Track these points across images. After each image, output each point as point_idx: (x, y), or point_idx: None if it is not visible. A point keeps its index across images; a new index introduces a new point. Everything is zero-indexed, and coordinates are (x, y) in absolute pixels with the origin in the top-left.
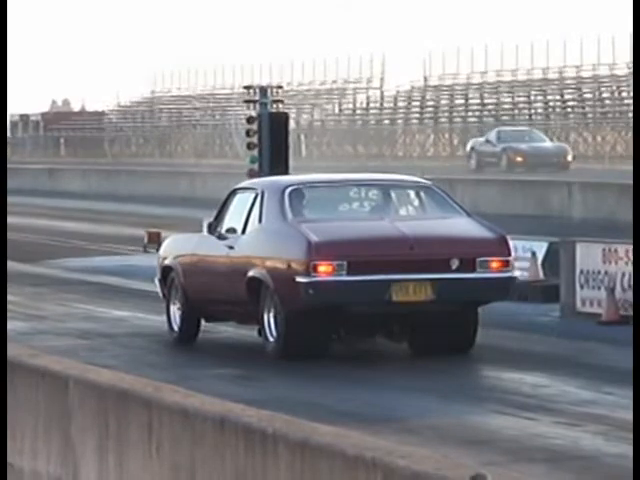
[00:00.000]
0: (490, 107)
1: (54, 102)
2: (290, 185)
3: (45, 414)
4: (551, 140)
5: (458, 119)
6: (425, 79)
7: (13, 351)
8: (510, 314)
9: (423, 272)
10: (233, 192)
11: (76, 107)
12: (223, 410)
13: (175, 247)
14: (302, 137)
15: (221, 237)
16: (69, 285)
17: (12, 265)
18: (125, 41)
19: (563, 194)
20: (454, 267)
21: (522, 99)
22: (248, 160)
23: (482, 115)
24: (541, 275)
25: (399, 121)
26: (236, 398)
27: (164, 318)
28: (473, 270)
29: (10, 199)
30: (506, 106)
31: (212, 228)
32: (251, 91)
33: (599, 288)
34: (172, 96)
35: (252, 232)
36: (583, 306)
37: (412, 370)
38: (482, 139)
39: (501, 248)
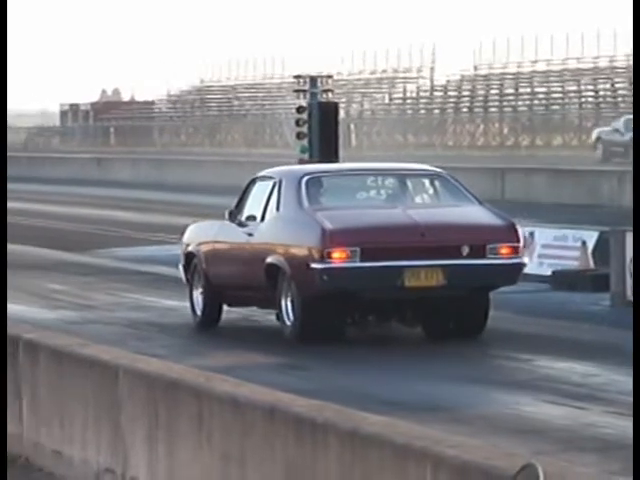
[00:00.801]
0: (540, 96)
1: (104, 92)
2: (307, 174)
3: (95, 403)
4: None
5: (508, 108)
6: (475, 68)
7: (62, 341)
8: (560, 303)
9: (434, 258)
10: (253, 181)
11: (126, 97)
12: (273, 399)
13: (197, 234)
14: (352, 127)
15: (241, 224)
16: (118, 274)
17: (60, 254)
18: (175, 31)
19: (613, 183)
20: (464, 253)
21: (572, 88)
22: (298, 149)
23: (532, 104)
24: (591, 264)
25: (449, 110)
26: (285, 387)
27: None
28: (483, 256)
29: (58, 189)
30: (556, 95)
31: (232, 216)
32: (301, 81)
33: None
34: (222, 85)
35: (270, 220)
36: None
37: (458, 358)
38: (608, 128)
39: (510, 235)
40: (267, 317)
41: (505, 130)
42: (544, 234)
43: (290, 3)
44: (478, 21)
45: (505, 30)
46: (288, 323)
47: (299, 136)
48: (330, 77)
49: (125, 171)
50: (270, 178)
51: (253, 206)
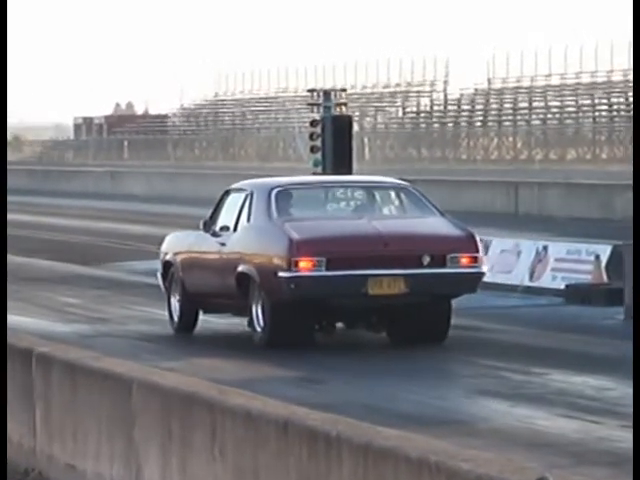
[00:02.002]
0: (554, 110)
1: (118, 105)
2: (277, 186)
3: (108, 417)
4: None
5: (522, 122)
6: (489, 82)
7: (76, 354)
8: (574, 317)
9: (397, 267)
10: (226, 192)
11: (139, 110)
12: (287, 413)
13: (175, 244)
14: (365, 140)
15: (215, 234)
16: (132, 288)
17: (74, 268)
18: (189, 44)
19: (626, 197)
20: (426, 263)
21: (586, 102)
22: (312, 163)
23: (546, 118)
24: (605, 278)
25: (462, 124)
26: (299, 401)
27: (228, 320)
28: (443, 265)
29: (72, 202)
30: (570, 109)
31: (207, 226)
32: (315, 94)
33: None
34: (235, 99)
35: (242, 230)
36: None
37: (472, 372)
38: None
39: (470, 245)
40: None
41: (519, 144)
42: (557, 248)
43: (303, 17)
44: (492, 34)
45: (519, 44)
46: (258, 329)
47: (313, 150)
48: (344, 90)
49: (139, 184)
50: (242, 190)
51: (226, 217)
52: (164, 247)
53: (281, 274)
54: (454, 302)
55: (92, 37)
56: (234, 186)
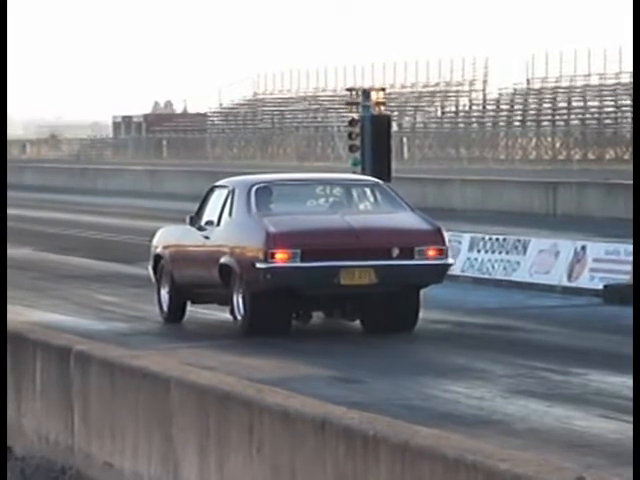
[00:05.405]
0: (593, 110)
1: (156, 104)
2: (256, 183)
3: (146, 415)
4: None
5: (560, 122)
6: (528, 82)
7: (114, 352)
8: (612, 317)
9: (367, 259)
10: (211, 189)
11: (178, 109)
12: (324, 412)
13: (164, 238)
14: (404, 140)
15: (200, 229)
16: None
17: (113, 266)
18: (228, 44)
19: None
20: (395, 255)
21: (625, 102)
22: (350, 162)
23: (585, 118)
24: None
25: (501, 124)
26: (336, 400)
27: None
28: (411, 257)
29: (111, 200)
30: (609, 109)
31: (193, 221)
32: (354, 93)
33: None
34: (274, 98)
35: (224, 224)
36: None
37: (509, 372)
38: None
39: (436, 238)
40: (319, 329)
41: (557, 144)
42: (596, 248)
43: (342, 15)
44: (531, 35)
45: (558, 43)
46: (239, 317)
47: (351, 149)
48: (383, 90)
49: (177, 183)
50: (225, 187)
51: (211, 212)
52: (155, 241)
53: (258, 265)
54: (501, 302)
55: (132, 35)
56: (218, 183)
